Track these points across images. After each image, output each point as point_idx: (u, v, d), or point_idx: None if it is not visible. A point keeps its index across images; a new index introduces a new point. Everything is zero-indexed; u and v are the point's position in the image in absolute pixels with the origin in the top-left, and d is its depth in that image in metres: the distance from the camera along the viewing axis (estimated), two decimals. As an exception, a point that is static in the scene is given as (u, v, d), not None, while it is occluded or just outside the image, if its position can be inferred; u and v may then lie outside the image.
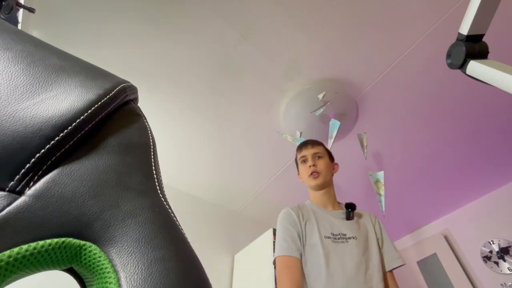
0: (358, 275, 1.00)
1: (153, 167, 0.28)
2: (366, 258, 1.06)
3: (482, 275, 2.45)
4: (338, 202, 1.28)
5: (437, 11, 1.48)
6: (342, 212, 1.20)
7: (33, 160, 0.21)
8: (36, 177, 0.21)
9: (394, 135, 2.11)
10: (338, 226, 1.14)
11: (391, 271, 1.10)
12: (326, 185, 1.25)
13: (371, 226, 1.18)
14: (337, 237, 1.10)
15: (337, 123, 1.78)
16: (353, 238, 1.10)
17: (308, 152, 1.30)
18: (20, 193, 0.21)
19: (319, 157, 1.28)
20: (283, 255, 1.04)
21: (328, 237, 1.09)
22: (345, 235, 1.11)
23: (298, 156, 1.34)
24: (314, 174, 1.23)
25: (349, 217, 1.16)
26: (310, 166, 1.25)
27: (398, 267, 1.11)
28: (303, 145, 1.35)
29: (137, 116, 0.31)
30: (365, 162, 2.24)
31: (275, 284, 1.76)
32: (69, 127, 0.23)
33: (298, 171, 1.37)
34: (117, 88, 0.28)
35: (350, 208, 1.17)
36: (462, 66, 0.66)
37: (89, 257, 0.21)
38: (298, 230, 1.10)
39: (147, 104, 1.79)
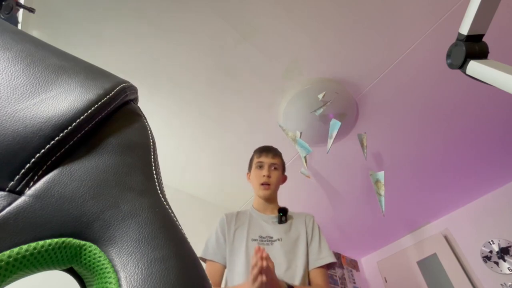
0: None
1: (153, 167, 0.28)
2: (290, 259, 1.10)
3: (482, 275, 2.45)
4: (279, 207, 1.31)
5: (437, 11, 1.48)
6: (275, 216, 1.26)
7: (33, 160, 0.21)
8: (36, 177, 0.21)
9: (394, 135, 2.11)
10: (268, 229, 1.21)
11: (317, 268, 1.11)
12: (272, 195, 1.31)
13: (303, 227, 1.22)
14: (264, 239, 1.17)
15: (338, 123, 1.78)
16: (279, 240, 1.16)
17: (267, 160, 1.32)
18: (20, 193, 0.21)
19: (275, 168, 1.32)
20: (208, 260, 1.16)
21: (255, 240, 1.16)
22: (271, 237, 1.18)
23: (256, 160, 1.35)
24: (266, 185, 1.27)
25: (280, 221, 1.23)
26: (264, 176, 1.28)
27: (326, 265, 1.12)
28: (263, 151, 1.36)
29: (137, 116, 0.31)
30: (365, 162, 2.24)
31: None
32: (69, 127, 0.23)
33: (249, 171, 1.40)
34: (117, 88, 0.28)
35: (282, 212, 1.24)
36: (462, 66, 0.66)
37: (89, 257, 0.21)
38: (225, 236, 1.20)
39: (147, 104, 1.79)
